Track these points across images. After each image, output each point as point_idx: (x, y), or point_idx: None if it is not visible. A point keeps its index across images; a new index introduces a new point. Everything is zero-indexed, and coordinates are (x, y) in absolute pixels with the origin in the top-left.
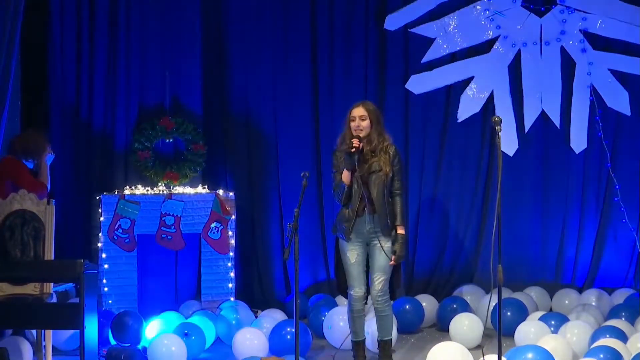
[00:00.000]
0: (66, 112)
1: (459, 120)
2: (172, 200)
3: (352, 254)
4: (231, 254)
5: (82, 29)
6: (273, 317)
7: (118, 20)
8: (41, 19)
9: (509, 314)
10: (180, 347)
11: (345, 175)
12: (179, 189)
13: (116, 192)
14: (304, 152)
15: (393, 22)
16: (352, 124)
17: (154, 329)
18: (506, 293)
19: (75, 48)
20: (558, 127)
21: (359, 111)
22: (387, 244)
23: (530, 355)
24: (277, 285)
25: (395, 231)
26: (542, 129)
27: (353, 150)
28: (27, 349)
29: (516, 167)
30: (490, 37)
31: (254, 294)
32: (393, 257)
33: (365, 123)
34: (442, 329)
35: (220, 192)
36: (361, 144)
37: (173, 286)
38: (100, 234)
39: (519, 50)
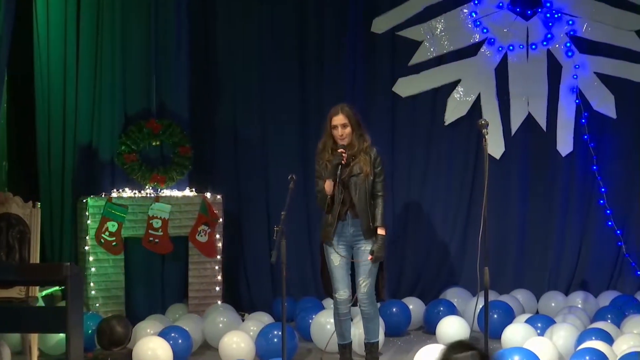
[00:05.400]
0: (52, 115)
1: (446, 123)
2: (159, 203)
3: (336, 257)
4: (218, 257)
5: (68, 32)
6: (260, 320)
7: (104, 23)
8: (27, 23)
9: (495, 316)
10: (166, 350)
11: (328, 185)
12: (166, 192)
13: (103, 195)
14: (292, 155)
15: (380, 25)
16: (335, 132)
17: (141, 332)
18: (493, 296)
19: (62, 51)
20: (544, 130)
21: (340, 119)
22: (368, 247)
23: (516, 357)
24: (264, 288)
25: (375, 232)
26: (528, 132)
27: (343, 161)
28: (6, 353)
29: (503, 170)
30: (477, 40)
31: (241, 297)
32: (371, 256)
33: (348, 130)
34: (429, 331)
35: (208, 195)
36: (347, 154)
37: (160, 289)
38: (87, 237)
39: (506, 53)
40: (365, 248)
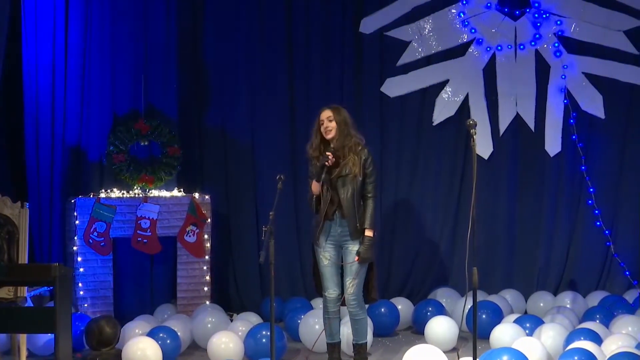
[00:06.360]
0: (41, 115)
1: (434, 124)
2: (147, 204)
3: (325, 256)
4: (207, 257)
5: (56, 32)
6: (248, 320)
7: (92, 25)
8: (15, 23)
9: (484, 316)
10: (155, 350)
11: (315, 186)
12: (154, 192)
13: (92, 196)
14: (280, 155)
15: (368, 25)
16: (322, 128)
17: (129, 333)
18: (481, 296)
19: (51, 52)
20: (533, 130)
21: (326, 114)
22: (355, 248)
23: (505, 357)
24: (252, 288)
25: (363, 233)
26: (516, 132)
27: (327, 163)
28: None
29: (491, 170)
30: (465, 40)
31: (230, 298)
32: (357, 257)
33: (333, 124)
34: (417, 331)
35: (196, 195)
36: (334, 159)
37: (148, 289)
38: (75, 238)
39: (494, 53)
40: (353, 249)
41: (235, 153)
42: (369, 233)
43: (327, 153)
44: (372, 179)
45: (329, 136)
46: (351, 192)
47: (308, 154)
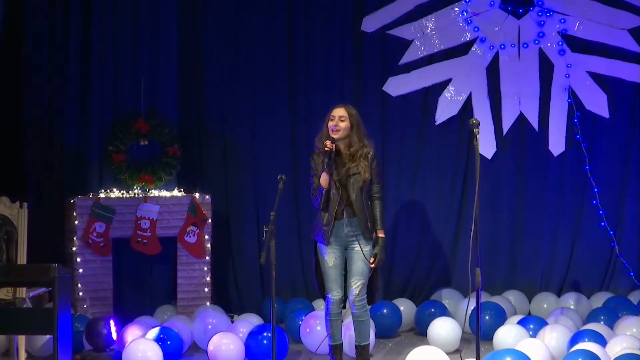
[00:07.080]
0: (40, 114)
1: (437, 123)
2: (147, 204)
3: (330, 258)
4: (207, 257)
5: (55, 33)
6: (249, 321)
7: (92, 25)
8: (15, 24)
9: (487, 317)
10: (156, 351)
11: (324, 179)
12: (154, 192)
13: (91, 196)
14: (280, 154)
15: (370, 24)
16: (330, 123)
17: (129, 334)
18: (484, 297)
19: (51, 51)
20: (536, 129)
21: (339, 111)
22: (365, 248)
23: (508, 359)
24: (253, 289)
25: (376, 234)
26: (520, 131)
27: (327, 149)
28: None
29: (494, 170)
30: (468, 39)
31: (230, 299)
32: (373, 259)
33: (344, 125)
34: (420, 333)
35: (197, 195)
36: (333, 146)
37: (148, 290)
38: (74, 238)
39: (497, 52)
40: (360, 249)
41: (235, 153)
42: (382, 234)
43: (326, 142)
44: (378, 180)
45: (334, 135)
46: (360, 192)
47: (315, 153)
